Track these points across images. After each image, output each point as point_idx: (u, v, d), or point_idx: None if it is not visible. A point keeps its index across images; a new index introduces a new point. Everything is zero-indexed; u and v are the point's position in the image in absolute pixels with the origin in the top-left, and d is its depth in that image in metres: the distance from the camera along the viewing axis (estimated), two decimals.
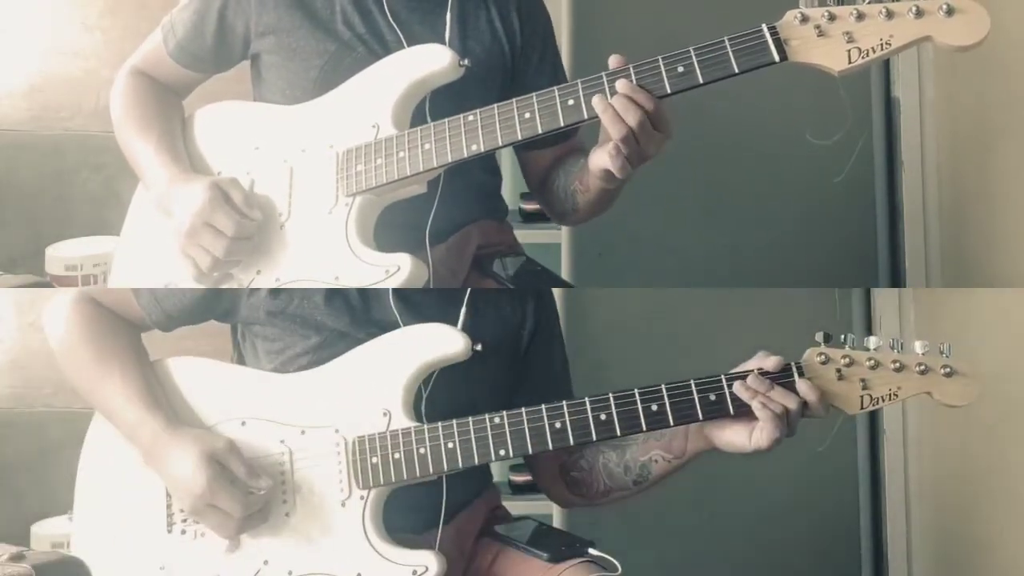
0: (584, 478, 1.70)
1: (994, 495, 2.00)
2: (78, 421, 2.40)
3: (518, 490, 2.51)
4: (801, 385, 1.50)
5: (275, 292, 1.65)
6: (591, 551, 1.64)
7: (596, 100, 1.50)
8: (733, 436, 1.53)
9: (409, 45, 1.67)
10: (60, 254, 2.41)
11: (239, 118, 1.75)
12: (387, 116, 1.62)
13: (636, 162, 1.54)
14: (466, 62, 1.62)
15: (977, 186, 2.17)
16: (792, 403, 1.49)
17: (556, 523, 2.37)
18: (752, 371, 1.51)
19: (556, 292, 2.37)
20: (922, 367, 1.49)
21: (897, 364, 1.49)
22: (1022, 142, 1.96)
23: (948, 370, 1.49)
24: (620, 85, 1.49)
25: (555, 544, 1.66)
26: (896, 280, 2.43)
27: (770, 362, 1.52)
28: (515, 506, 1.91)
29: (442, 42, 1.67)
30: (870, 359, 1.50)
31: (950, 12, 1.41)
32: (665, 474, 1.64)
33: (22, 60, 2.62)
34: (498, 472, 2.59)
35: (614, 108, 1.49)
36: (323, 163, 1.65)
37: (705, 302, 2.35)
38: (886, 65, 2.42)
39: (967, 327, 2.06)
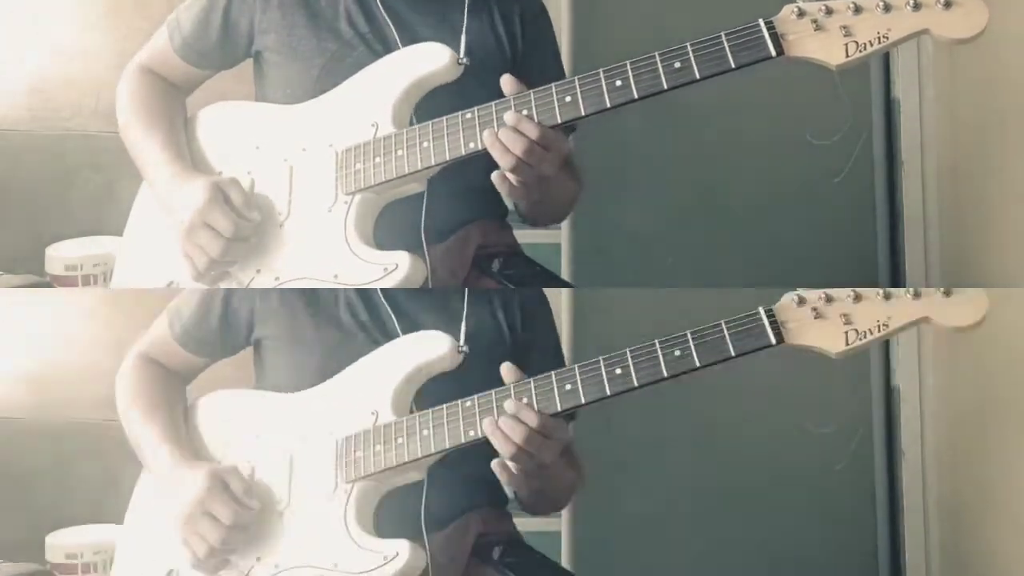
0: None
1: (1013, 515, 1.99)
2: (94, 432, 2.43)
3: None
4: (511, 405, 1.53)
5: (282, 303, 1.71)
6: None
7: (486, 135, 1.54)
8: None
9: (410, 45, 1.67)
10: (60, 254, 2.41)
11: (240, 118, 1.76)
12: (386, 115, 1.63)
13: (534, 183, 1.56)
14: (465, 60, 1.62)
15: (977, 186, 2.16)
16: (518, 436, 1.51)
17: (564, 538, 2.37)
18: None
19: (556, 292, 2.37)
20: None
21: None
22: (1022, 142, 1.95)
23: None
24: (507, 117, 1.53)
25: None
26: (896, 280, 2.42)
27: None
28: (526, 522, 1.90)
29: (444, 43, 1.67)
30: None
31: (947, 5, 1.41)
32: None
33: (22, 60, 2.63)
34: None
35: (501, 142, 1.52)
36: (323, 162, 1.65)
37: (705, 302, 2.34)
38: (886, 65, 2.41)
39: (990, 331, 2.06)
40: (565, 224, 2.42)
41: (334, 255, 1.61)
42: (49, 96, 2.63)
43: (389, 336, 1.69)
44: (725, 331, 1.47)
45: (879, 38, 1.42)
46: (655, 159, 2.44)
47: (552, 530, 2.40)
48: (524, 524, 1.90)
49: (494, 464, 1.55)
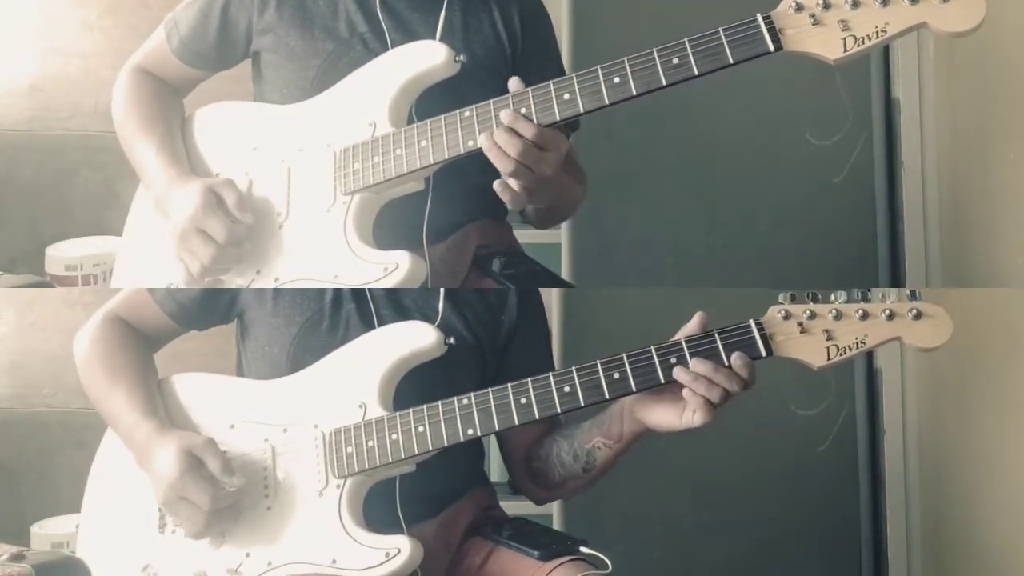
0: (542, 468, 1.72)
1: (993, 494, 2.00)
2: (78, 421, 2.42)
3: (518, 490, 2.50)
4: (736, 360, 1.48)
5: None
6: (582, 549, 1.64)
7: (483, 139, 1.52)
8: (662, 417, 1.53)
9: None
10: (60, 254, 2.42)
11: (237, 118, 1.76)
12: (383, 113, 1.62)
13: (536, 188, 1.54)
14: (462, 57, 1.62)
15: (977, 186, 2.16)
16: (736, 385, 1.47)
17: (555, 524, 2.36)
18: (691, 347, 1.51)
19: (556, 292, 2.38)
20: (888, 312, 1.45)
21: (861, 312, 1.46)
22: (1022, 142, 1.95)
23: (916, 312, 1.44)
24: (503, 115, 1.51)
25: (546, 542, 1.65)
26: (896, 280, 2.42)
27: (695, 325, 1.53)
28: (515, 507, 1.90)
29: (443, 43, 1.66)
30: (832, 310, 1.47)
31: None
32: (609, 460, 1.66)
33: (22, 60, 2.63)
34: (498, 472, 2.58)
35: (498, 145, 1.50)
36: (321, 162, 1.65)
37: (705, 302, 2.34)
38: (886, 65, 2.41)
39: (967, 327, 2.06)
40: (565, 224, 2.42)
41: (334, 255, 1.61)
42: (49, 96, 2.64)
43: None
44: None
45: (877, 32, 1.41)
46: (655, 159, 2.44)
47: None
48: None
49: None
